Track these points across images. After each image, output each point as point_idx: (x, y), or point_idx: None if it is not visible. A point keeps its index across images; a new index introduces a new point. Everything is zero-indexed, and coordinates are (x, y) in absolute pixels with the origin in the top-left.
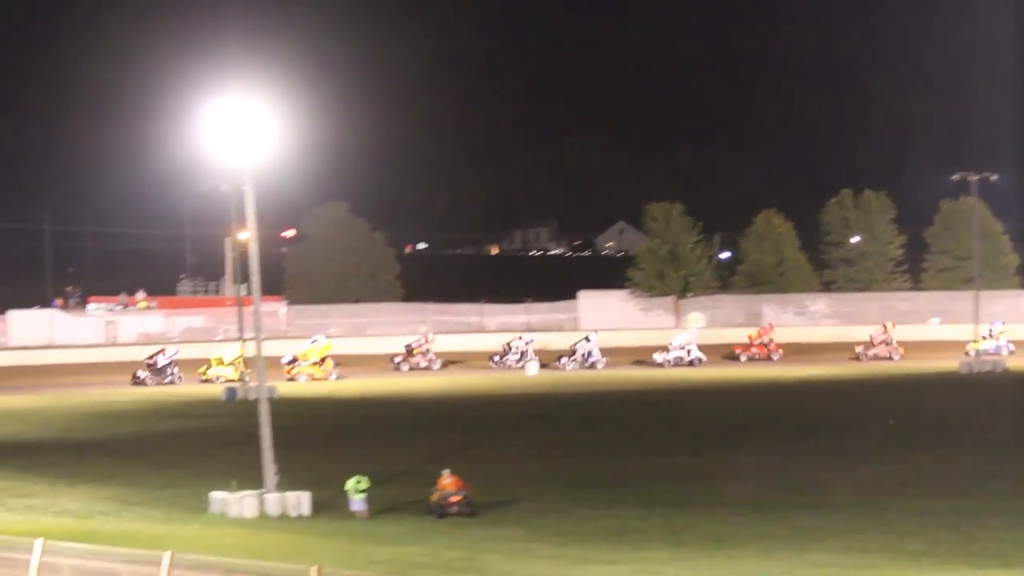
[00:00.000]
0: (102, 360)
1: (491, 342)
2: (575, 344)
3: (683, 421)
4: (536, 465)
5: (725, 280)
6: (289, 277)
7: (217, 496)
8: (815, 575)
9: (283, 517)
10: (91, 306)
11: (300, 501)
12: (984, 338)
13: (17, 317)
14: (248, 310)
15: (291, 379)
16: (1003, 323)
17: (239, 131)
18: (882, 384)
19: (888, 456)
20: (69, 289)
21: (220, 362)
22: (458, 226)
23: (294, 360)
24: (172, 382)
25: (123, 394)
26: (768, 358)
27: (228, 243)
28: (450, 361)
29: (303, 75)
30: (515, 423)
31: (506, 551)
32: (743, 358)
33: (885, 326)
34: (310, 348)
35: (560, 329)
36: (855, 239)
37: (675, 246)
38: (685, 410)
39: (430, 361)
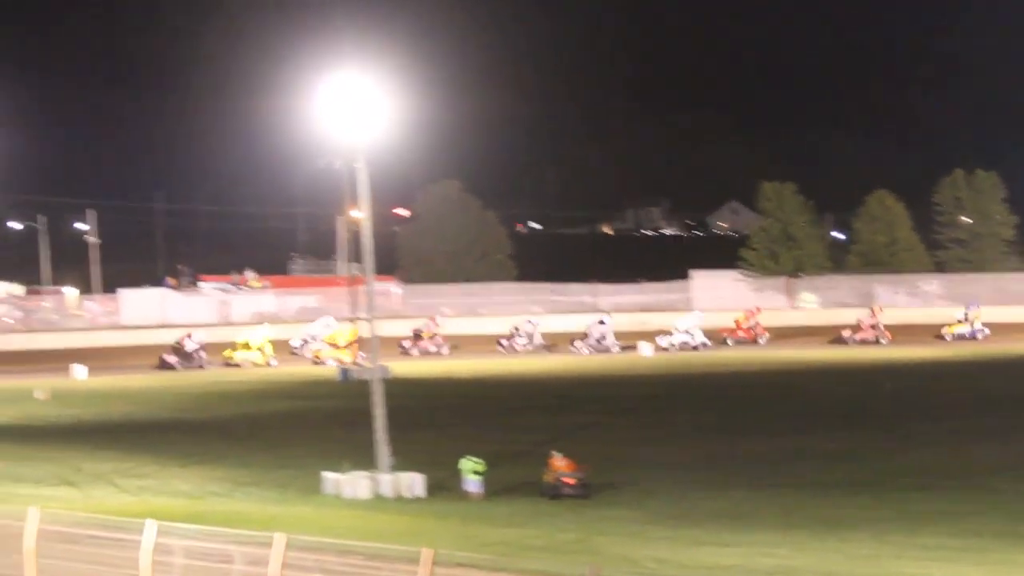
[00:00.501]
0: (215, 340)
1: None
2: (589, 326)
3: (791, 402)
4: (649, 446)
5: (838, 260)
6: (401, 256)
7: (330, 477)
8: (927, 558)
9: (397, 498)
10: (203, 285)
11: (414, 482)
12: (959, 322)
13: (129, 296)
14: (361, 290)
15: (318, 362)
16: (979, 306)
17: (353, 108)
18: (975, 366)
19: (1000, 438)
20: (181, 268)
21: (246, 346)
22: (571, 205)
23: (305, 343)
24: (200, 366)
25: (235, 374)
26: (755, 341)
27: (341, 222)
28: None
29: (417, 52)
30: (628, 404)
31: (620, 533)
32: (730, 342)
33: (873, 310)
34: (337, 331)
35: (673, 309)
36: (967, 220)
37: (788, 226)
38: (791, 391)
39: (439, 346)
